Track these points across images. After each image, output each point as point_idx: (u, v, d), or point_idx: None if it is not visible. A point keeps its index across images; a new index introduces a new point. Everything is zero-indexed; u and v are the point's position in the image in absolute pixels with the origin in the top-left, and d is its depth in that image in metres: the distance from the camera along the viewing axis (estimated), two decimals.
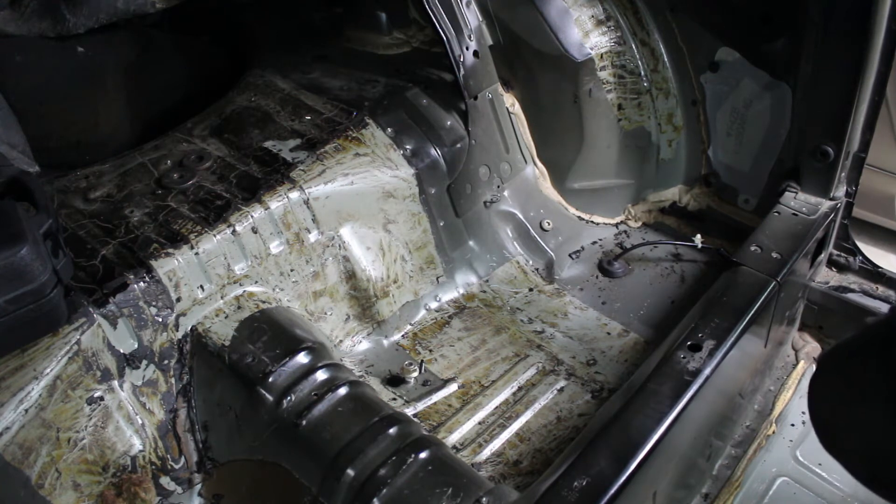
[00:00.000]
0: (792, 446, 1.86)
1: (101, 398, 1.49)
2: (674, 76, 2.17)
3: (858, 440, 0.91)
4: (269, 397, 1.51)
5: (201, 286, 1.63)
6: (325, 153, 1.87)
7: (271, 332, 1.62)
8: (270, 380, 1.52)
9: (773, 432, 1.89)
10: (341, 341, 1.92)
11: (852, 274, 2.06)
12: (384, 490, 1.34)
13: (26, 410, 1.37)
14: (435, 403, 1.80)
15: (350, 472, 1.38)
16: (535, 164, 2.36)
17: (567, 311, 2.12)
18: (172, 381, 1.61)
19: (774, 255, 1.79)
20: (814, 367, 2.06)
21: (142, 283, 1.53)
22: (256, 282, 1.72)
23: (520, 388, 1.85)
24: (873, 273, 2.03)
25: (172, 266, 1.57)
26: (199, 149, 1.93)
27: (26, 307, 1.24)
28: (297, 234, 1.78)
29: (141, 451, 1.53)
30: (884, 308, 1.96)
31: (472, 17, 2.11)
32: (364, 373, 1.88)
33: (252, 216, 1.69)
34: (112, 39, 2.29)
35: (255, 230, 1.70)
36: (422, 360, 1.91)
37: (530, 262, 2.26)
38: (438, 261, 2.10)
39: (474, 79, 2.10)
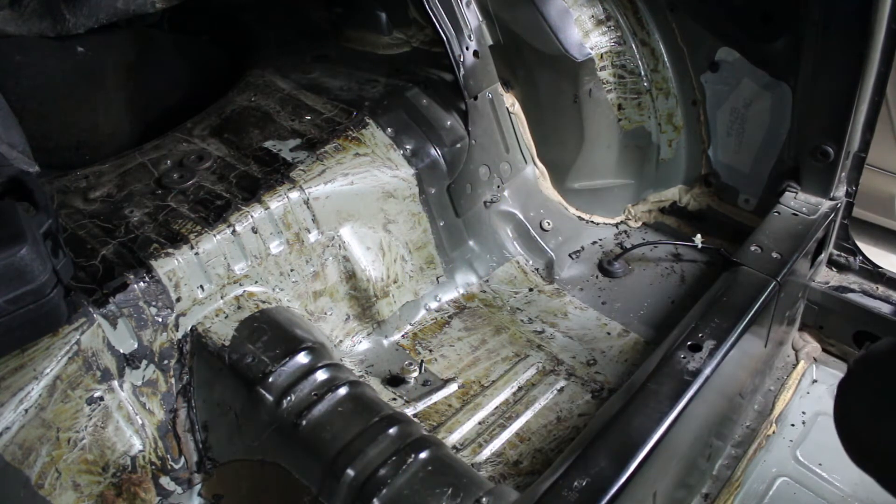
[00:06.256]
0: (792, 446, 1.86)
1: (101, 398, 1.49)
2: (674, 76, 2.17)
3: (894, 454, 0.86)
4: (269, 397, 1.51)
5: (201, 286, 1.63)
6: (325, 153, 1.87)
7: (271, 332, 1.62)
8: (270, 380, 1.52)
9: (773, 432, 1.89)
10: (341, 341, 1.92)
11: (852, 274, 2.06)
12: (384, 490, 1.34)
13: (26, 410, 1.37)
14: (435, 403, 1.80)
15: (350, 472, 1.38)
16: (535, 164, 2.36)
17: (567, 311, 2.12)
18: (172, 381, 1.61)
19: (774, 255, 1.79)
20: (814, 366, 2.06)
21: (142, 283, 1.53)
22: (256, 282, 1.72)
23: (520, 388, 1.85)
24: (873, 273, 2.03)
25: (172, 266, 1.57)
26: (199, 149, 1.93)
27: (26, 307, 1.24)
28: (297, 234, 1.78)
29: (141, 451, 1.53)
30: (884, 308, 1.96)
31: (472, 17, 2.11)
32: (364, 373, 1.88)
33: (252, 216, 1.69)
34: (112, 39, 2.29)
35: (255, 230, 1.70)
36: (422, 360, 1.91)
37: (530, 262, 2.26)
38: (438, 261, 2.10)
39: (474, 79, 2.10)
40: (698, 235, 2.17)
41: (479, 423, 1.76)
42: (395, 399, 1.80)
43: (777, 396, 1.98)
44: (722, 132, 2.16)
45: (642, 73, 2.18)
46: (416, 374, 1.85)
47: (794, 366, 2.06)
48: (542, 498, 1.27)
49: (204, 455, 1.61)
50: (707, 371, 1.48)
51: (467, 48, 2.07)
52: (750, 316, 1.62)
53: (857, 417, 0.94)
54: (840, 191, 1.98)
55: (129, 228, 1.65)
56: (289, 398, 1.51)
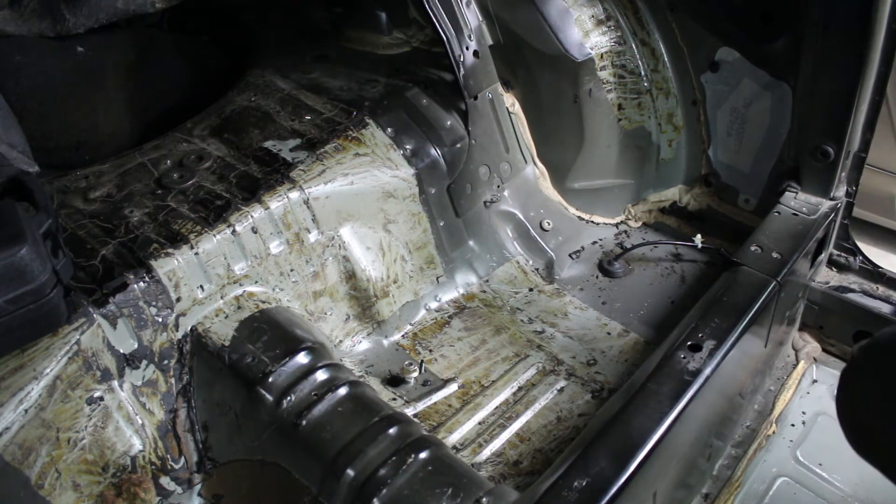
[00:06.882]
0: (792, 446, 1.86)
1: (101, 398, 1.49)
2: (674, 76, 2.17)
3: None
4: (269, 397, 1.51)
5: (201, 286, 1.63)
6: (325, 153, 1.87)
7: (271, 332, 1.62)
8: (270, 380, 1.52)
9: (773, 432, 1.89)
10: (341, 341, 1.92)
11: (852, 274, 2.06)
12: (384, 490, 1.34)
13: (26, 410, 1.37)
14: (435, 403, 1.80)
15: (350, 472, 1.38)
16: (535, 163, 2.36)
17: (567, 311, 2.12)
18: (172, 381, 1.61)
19: (775, 255, 1.79)
20: (814, 366, 2.06)
21: (142, 283, 1.53)
22: (256, 282, 1.72)
23: (520, 388, 1.84)
24: (873, 273, 2.03)
25: (172, 266, 1.57)
26: (199, 149, 1.93)
27: (26, 307, 1.24)
28: (297, 234, 1.78)
29: (141, 451, 1.53)
30: (884, 308, 1.96)
31: (472, 17, 2.11)
32: (364, 373, 1.88)
33: (252, 216, 1.69)
34: (112, 39, 2.29)
35: (255, 230, 1.70)
36: (422, 360, 1.91)
37: (530, 262, 2.26)
38: (438, 261, 2.10)
39: (474, 79, 2.10)
40: (698, 235, 2.17)
41: (479, 423, 1.76)
42: (395, 399, 1.80)
43: (777, 396, 1.98)
44: (722, 132, 2.16)
45: (642, 73, 2.18)
46: (416, 374, 1.85)
47: (794, 366, 2.06)
48: (542, 498, 1.27)
49: (204, 455, 1.61)
50: (707, 371, 1.48)
51: (467, 48, 2.07)
52: (750, 316, 1.62)
53: (860, 406, 0.94)
54: (840, 191, 1.98)
55: (129, 228, 1.65)
56: (289, 398, 1.51)
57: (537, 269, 2.25)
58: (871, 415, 0.93)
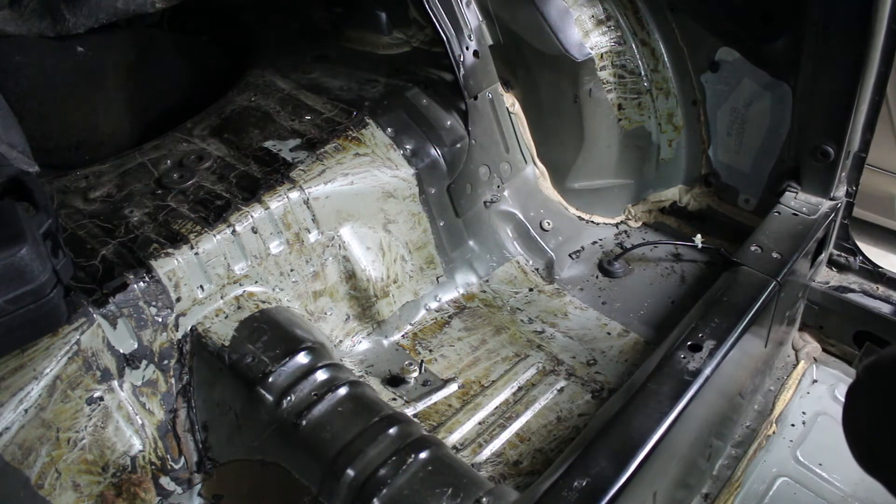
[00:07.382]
0: (792, 446, 1.86)
1: (101, 398, 1.49)
2: (674, 76, 2.17)
3: None
4: (269, 397, 1.51)
5: (201, 286, 1.63)
6: (325, 153, 1.87)
7: (271, 332, 1.62)
8: (270, 380, 1.52)
9: (773, 432, 1.89)
10: (341, 341, 1.92)
11: (852, 274, 2.06)
12: (384, 490, 1.34)
13: (26, 410, 1.37)
14: (435, 403, 1.80)
15: (350, 472, 1.38)
16: (535, 163, 2.36)
17: (567, 311, 2.12)
18: (172, 381, 1.61)
19: (775, 255, 1.79)
20: (814, 366, 2.06)
21: (142, 283, 1.53)
22: (256, 282, 1.72)
23: (520, 388, 1.84)
24: (873, 273, 2.03)
25: (172, 266, 1.57)
26: (199, 149, 1.93)
27: (26, 307, 1.24)
28: (297, 234, 1.78)
29: (141, 451, 1.53)
30: (884, 308, 1.96)
31: (472, 16, 2.11)
32: (364, 373, 1.88)
33: (252, 216, 1.69)
34: (112, 39, 2.29)
35: (255, 230, 1.70)
36: (422, 360, 1.91)
37: (530, 262, 2.26)
38: (438, 261, 2.10)
39: (474, 79, 2.10)
40: (698, 235, 2.18)
41: (479, 423, 1.76)
42: (395, 399, 1.80)
43: (777, 396, 1.98)
44: (722, 132, 2.16)
45: (642, 72, 2.18)
46: (416, 374, 1.85)
47: (794, 366, 2.07)
48: (542, 498, 1.27)
49: (204, 455, 1.61)
50: (707, 371, 1.48)
51: (467, 48, 2.07)
52: (750, 316, 1.62)
53: (866, 425, 0.95)
54: (840, 191, 1.98)
55: (129, 228, 1.65)
56: (289, 398, 1.51)
57: (537, 269, 2.25)
58: (875, 433, 0.94)
